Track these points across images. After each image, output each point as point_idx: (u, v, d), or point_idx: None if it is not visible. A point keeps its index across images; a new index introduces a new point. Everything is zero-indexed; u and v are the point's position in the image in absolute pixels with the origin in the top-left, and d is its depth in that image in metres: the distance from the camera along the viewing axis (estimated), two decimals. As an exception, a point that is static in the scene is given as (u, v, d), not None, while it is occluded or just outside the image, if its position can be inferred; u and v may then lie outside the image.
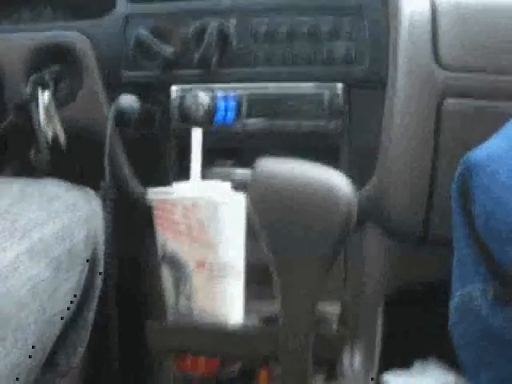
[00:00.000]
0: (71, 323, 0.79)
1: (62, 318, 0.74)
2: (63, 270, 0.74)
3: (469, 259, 0.71)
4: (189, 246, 0.70)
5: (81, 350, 0.83)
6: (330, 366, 0.86)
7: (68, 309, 0.75)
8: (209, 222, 0.69)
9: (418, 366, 0.99)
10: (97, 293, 0.83)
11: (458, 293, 0.72)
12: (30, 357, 0.67)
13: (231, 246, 0.71)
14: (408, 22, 0.89)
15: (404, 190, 0.93)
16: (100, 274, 0.83)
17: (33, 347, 0.67)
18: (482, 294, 0.69)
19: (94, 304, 0.83)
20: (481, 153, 0.70)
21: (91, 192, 0.85)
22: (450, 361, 0.98)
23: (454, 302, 0.72)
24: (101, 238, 0.83)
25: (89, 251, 0.80)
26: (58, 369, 0.80)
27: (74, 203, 0.80)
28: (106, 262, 0.84)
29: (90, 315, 0.83)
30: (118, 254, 0.87)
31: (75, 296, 0.77)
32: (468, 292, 0.70)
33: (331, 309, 0.80)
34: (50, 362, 0.77)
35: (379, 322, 1.00)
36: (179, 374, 0.84)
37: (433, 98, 0.89)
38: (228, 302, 0.72)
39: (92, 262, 0.81)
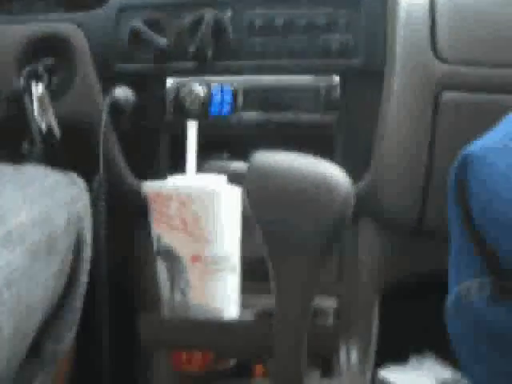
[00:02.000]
0: (56, 310, 0.78)
1: (43, 306, 0.72)
2: (42, 257, 0.71)
3: (465, 252, 0.71)
4: (184, 240, 0.69)
5: (68, 338, 0.81)
6: (326, 360, 0.86)
7: (50, 296, 0.74)
8: (204, 216, 0.69)
9: (414, 360, 0.99)
10: (83, 279, 0.81)
11: (455, 287, 0.71)
12: (7, 347, 0.64)
13: (227, 240, 0.71)
14: (406, 14, 0.89)
15: (399, 183, 0.93)
16: (86, 259, 0.81)
17: (10, 337, 0.65)
18: (479, 288, 0.68)
19: (80, 290, 0.81)
20: (479, 145, 0.69)
21: (74, 175, 0.84)
22: (446, 355, 0.98)
23: (450, 296, 0.72)
24: (87, 222, 0.81)
25: (72, 236, 0.78)
26: (44, 356, 0.79)
27: (52, 187, 0.78)
28: (98, 256, 0.83)
29: (77, 302, 0.81)
30: (112, 248, 0.86)
31: (58, 282, 0.76)
32: (465, 286, 0.70)
33: (327, 303, 0.80)
34: (36, 350, 0.75)
35: (375, 316, 0.99)
36: (173, 369, 0.84)
37: (430, 91, 0.88)
38: (223, 297, 0.71)
39: (76, 247, 0.79)
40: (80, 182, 0.84)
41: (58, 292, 0.76)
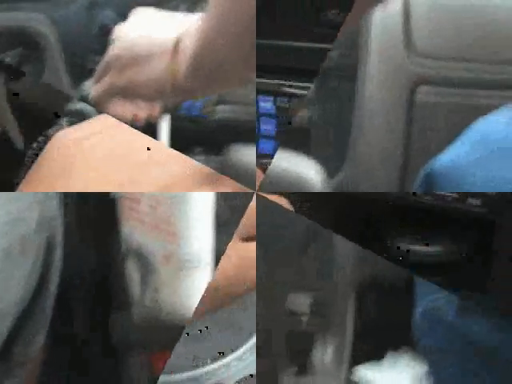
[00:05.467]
0: (27, 311, 0.77)
1: (15, 308, 0.72)
2: (15, 258, 0.71)
3: None
4: (155, 239, 0.69)
5: (39, 339, 0.80)
6: (302, 359, 0.85)
7: (22, 298, 0.73)
8: (176, 214, 0.68)
9: (389, 358, 0.99)
10: (55, 279, 0.80)
11: (423, 299, 0.71)
12: None
13: (199, 239, 0.70)
14: (380, 8, 0.88)
15: (375, 179, 0.92)
16: (58, 259, 0.80)
17: None
18: (447, 301, 0.68)
19: (52, 291, 0.80)
20: (444, 160, 0.68)
21: None
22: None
23: (418, 309, 0.72)
24: (58, 221, 0.81)
25: (43, 236, 0.77)
26: (13, 360, 0.77)
27: None
28: (68, 255, 0.82)
29: (48, 303, 0.80)
30: (86, 247, 0.85)
31: (30, 284, 0.75)
32: (433, 298, 0.69)
33: (302, 301, 0.80)
34: (6, 352, 0.74)
35: (350, 313, 0.99)
36: (151, 371, 0.83)
37: (405, 86, 0.88)
38: (196, 296, 0.70)
39: (48, 246, 0.78)
40: None
41: (29, 293, 0.75)
